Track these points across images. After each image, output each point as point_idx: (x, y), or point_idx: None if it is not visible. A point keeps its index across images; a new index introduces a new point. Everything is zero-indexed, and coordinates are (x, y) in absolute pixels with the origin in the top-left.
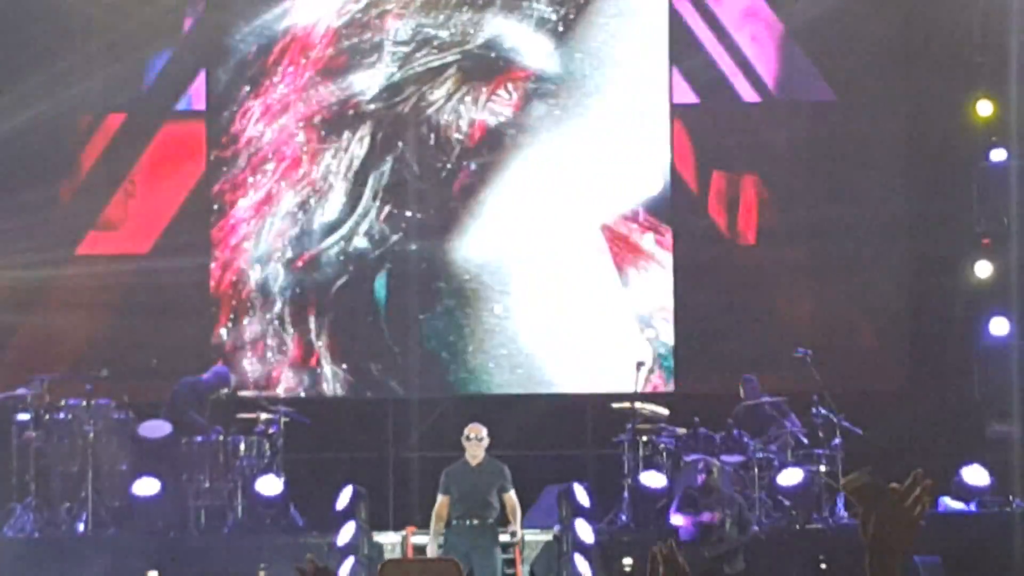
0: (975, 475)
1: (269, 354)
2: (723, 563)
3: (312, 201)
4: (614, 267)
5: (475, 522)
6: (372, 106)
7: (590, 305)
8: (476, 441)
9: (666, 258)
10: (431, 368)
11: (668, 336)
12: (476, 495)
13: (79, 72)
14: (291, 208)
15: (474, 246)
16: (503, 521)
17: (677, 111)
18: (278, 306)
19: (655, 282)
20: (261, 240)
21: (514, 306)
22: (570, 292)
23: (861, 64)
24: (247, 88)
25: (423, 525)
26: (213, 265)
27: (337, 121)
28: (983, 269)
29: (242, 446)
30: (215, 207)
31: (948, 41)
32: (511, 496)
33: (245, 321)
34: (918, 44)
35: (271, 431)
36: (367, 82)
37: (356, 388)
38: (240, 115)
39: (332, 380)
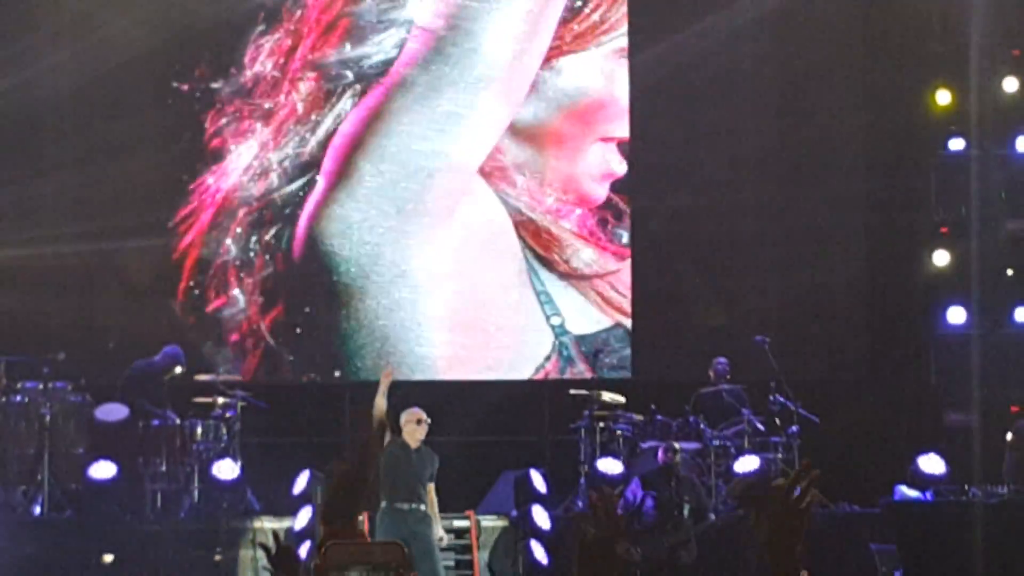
0: (931, 464)
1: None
2: (681, 551)
3: (287, 152)
4: (522, 253)
5: (410, 507)
6: (371, 72)
7: (491, 291)
8: (426, 425)
9: (621, 238)
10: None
11: (576, 325)
12: (411, 479)
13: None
14: (264, 157)
15: (364, 226)
16: None
17: (634, 93)
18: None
19: (588, 267)
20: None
21: (418, 289)
22: (473, 278)
23: (820, 53)
24: (261, 28)
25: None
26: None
27: (332, 82)
28: (941, 258)
29: (199, 430)
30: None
31: (907, 30)
32: (432, 487)
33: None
34: (877, 33)
35: (228, 415)
36: (369, 49)
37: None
38: (252, 53)
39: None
